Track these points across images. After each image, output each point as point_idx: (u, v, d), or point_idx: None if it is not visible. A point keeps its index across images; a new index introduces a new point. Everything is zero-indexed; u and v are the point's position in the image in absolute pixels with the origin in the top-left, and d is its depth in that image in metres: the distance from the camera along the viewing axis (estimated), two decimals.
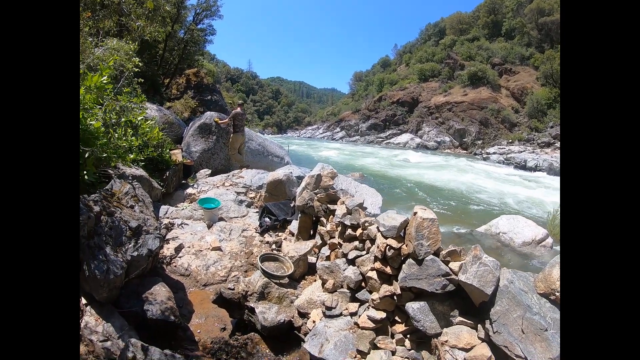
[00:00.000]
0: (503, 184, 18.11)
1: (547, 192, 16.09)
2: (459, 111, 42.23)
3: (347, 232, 4.43)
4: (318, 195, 5.41)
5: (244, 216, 7.32)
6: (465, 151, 38.03)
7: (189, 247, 5.97)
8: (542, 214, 11.44)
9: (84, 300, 3.62)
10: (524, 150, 30.61)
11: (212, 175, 10.10)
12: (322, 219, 5.32)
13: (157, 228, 4.56)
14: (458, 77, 48.09)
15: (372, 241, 4.02)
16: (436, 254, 3.35)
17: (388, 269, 3.67)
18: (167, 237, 6.22)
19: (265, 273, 4.62)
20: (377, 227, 3.89)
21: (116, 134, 5.34)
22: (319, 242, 5.32)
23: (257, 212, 7.45)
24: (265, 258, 5.07)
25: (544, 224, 7.02)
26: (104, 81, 5.00)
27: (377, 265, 3.77)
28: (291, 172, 7.71)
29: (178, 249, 5.86)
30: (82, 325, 3.41)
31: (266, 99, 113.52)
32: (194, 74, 24.80)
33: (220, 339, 4.20)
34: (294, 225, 6.43)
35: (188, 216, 7.11)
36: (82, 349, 3.26)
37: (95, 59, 6.78)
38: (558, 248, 4.89)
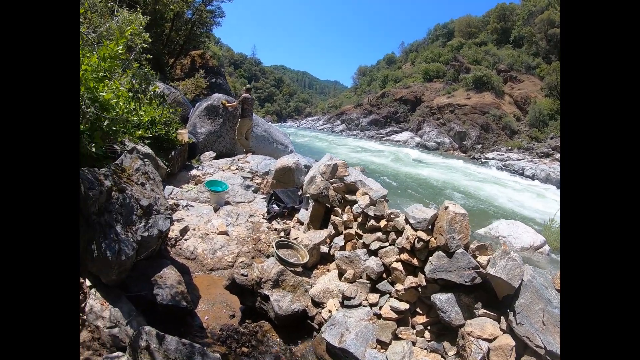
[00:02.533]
0: (501, 189, 18.11)
1: (544, 201, 16.09)
2: (461, 114, 42.00)
3: (369, 223, 4.32)
4: (334, 184, 5.26)
5: (250, 201, 7.15)
6: (464, 154, 37.89)
7: (195, 229, 5.81)
8: (539, 221, 11.43)
9: (88, 283, 3.45)
10: (522, 159, 30.46)
11: (216, 158, 9.92)
12: (337, 208, 5.18)
13: (167, 208, 4.39)
14: (463, 80, 47.68)
15: (398, 233, 3.93)
16: (465, 247, 3.36)
17: (415, 261, 3.63)
18: (172, 218, 6.05)
19: (281, 260, 4.47)
20: (406, 219, 3.80)
21: (125, 108, 5.19)
22: (332, 231, 5.18)
23: (264, 198, 7.28)
24: (280, 245, 4.93)
25: (540, 231, 6.98)
26: (119, 51, 4.83)
27: (404, 256, 3.71)
28: (299, 161, 7.53)
29: (183, 231, 5.69)
30: (86, 309, 3.23)
31: (268, 87, 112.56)
32: (199, 56, 24.57)
33: (229, 326, 4.07)
34: (302, 214, 6.30)
35: (193, 198, 6.94)
36: (86, 335, 3.10)
37: (109, 29, 6.57)
38: (554, 256, 4.98)
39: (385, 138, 46.16)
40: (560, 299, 2.91)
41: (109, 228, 3.51)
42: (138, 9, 8.95)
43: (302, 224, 6.16)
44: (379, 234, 4.19)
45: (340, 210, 5.11)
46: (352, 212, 4.81)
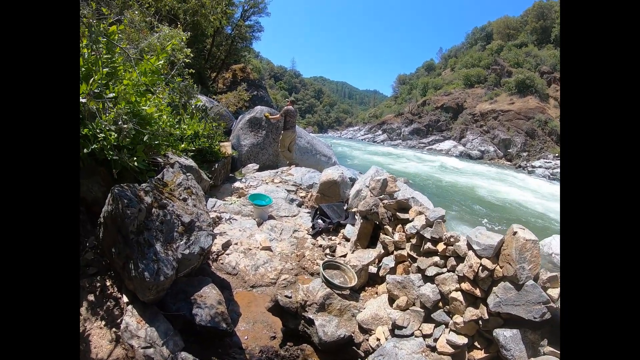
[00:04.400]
0: (548, 200, 17.09)
1: None
2: (505, 120, 40.69)
3: (425, 246, 3.97)
4: (384, 201, 4.96)
5: (294, 215, 6.96)
6: (509, 162, 36.61)
7: (237, 244, 5.67)
8: None
9: (125, 299, 3.38)
10: None
11: (259, 170, 9.81)
12: (387, 226, 4.87)
13: (209, 224, 4.23)
14: (505, 85, 46.26)
15: (459, 259, 3.60)
16: (535, 278, 3.00)
17: (477, 291, 3.29)
18: (215, 231, 5.93)
19: (328, 283, 4.23)
20: (468, 244, 3.47)
21: (168, 121, 5.11)
22: (382, 251, 4.88)
23: (308, 212, 7.06)
24: (327, 265, 4.69)
25: None
26: (160, 66, 4.74)
27: (465, 286, 3.37)
28: (343, 173, 7.28)
29: (226, 245, 5.58)
30: (122, 327, 3.16)
31: (308, 98, 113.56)
32: (240, 70, 24.98)
33: (269, 348, 3.90)
34: (348, 230, 6.04)
35: (236, 211, 6.81)
36: (120, 353, 3.03)
37: (150, 44, 6.58)
38: None
39: (427, 147, 45.34)
40: (560, 299, 2.85)
41: (148, 247, 3.37)
42: (179, 25, 9.02)
43: (348, 240, 5.89)
44: (436, 258, 3.85)
45: (390, 229, 4.80)
46: (404, 232, 4.48)
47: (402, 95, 73.55)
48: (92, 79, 3.71)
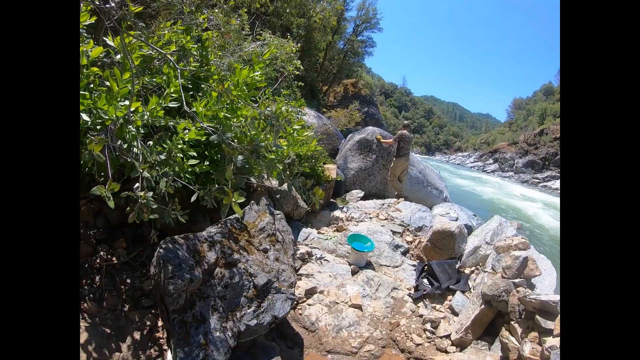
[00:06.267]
0: None
1: None
2: None
3: None
4: (520, 293, 3.70)
5: (397, 267, 5.81)
6: None
7: (323, 293, 4.79)
8: None
9: (170, 357, 2.79)
10: None
11: (364, 198, 8.81)
12: (515, 324, 3.66)
13: (292, 285, 3.30)
14: None
15: None
16: None
17: None
18: (300, 271, 5.14)
19: None
20: None
21: (264, 139, 4.37)
22: (500, 354, 3.76)
23: (413, 266, 5.88)
24: None
25: None
26: (256, 77, 3.97)
27: None
28: (461, 225, 6.05)
29: (310, 292, 4.73)
30: None
31: (418, 117, 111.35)
32: (352, 84, 24.88)
33: None
34: (457, 300, 4.92)
35: (331, 249, 5.86)
36: None
37: (249, 53, 5.84)
38: None
39: (542, 184, 40.87)
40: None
41: (198, 325, 2.51)
42: (288, 37, 8.36)
43: (455, 314, 4.76)
44: None
45: (519, 329, 3.59)
46: (540, 345, 3.23)
47: (517, 121, 69.13)
48: (165, 92, 3.02)
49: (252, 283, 2.96)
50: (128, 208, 2.24)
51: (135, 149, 2.57)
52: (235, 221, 3.32)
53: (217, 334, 2.57)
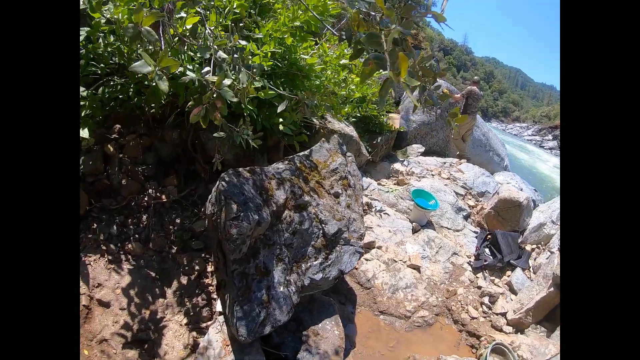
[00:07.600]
0: None
1: None
2: None
3: None
4: None
5: (458, 230, 5.39)
6: None
7: (382, 249, 4.47)
8: None
9: (219, 306, 2.78)
10: None
11: (424, 154, 8.29)
12: None
13: (361, 237, 2.96)
14: None
15: None
16: None
17: None
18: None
19: None
20: None
21: (333, 77, 4.11)
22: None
23: (475, 231, 5.44)
24: (495, 349, 3.31)
25: None
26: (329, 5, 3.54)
27: None
28: (529, 196, 5.63)
29: (368, 246, 4.41)
30: (202, 343, 2.45)
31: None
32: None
33: None
34: (517, 277, 4.56)
35: (391, 203, 5.50)
36: None
37: None
38: None
39: None
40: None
41: (261, 277, 2.21)
42: None
43: (514, 292, 4.42)
44: None
45: None
46: None
47: None
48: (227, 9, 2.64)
49: (321, 231, 2.63)
50: (190, 103, 1.72)
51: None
52: (304, 158, 2.95)
53: (281, 288, 2.27)
